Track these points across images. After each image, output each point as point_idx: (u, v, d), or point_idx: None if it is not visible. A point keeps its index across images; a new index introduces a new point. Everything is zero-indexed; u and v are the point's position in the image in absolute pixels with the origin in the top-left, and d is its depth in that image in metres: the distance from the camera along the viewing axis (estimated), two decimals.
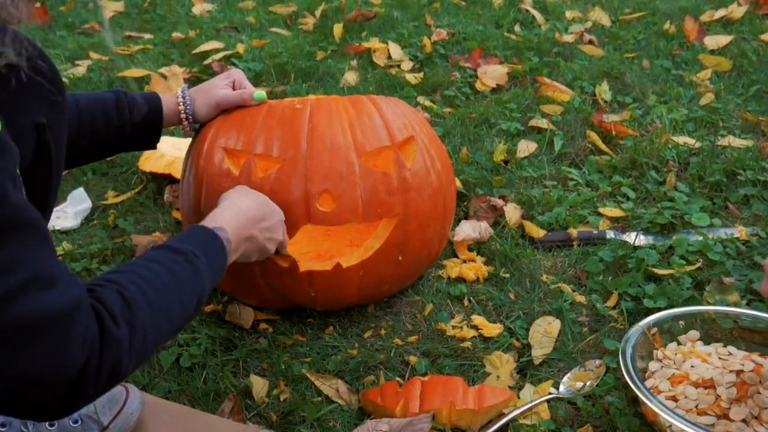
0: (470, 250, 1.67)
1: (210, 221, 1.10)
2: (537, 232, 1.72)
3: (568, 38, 2.94)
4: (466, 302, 1.52)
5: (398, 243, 1.37)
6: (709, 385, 1.19)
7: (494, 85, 2.54)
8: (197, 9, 3.63)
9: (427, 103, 2.43)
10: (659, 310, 1.39)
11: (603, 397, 1.26)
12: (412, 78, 2.60)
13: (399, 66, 2.76)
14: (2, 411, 0.80)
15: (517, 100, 2.40)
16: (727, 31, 2.96)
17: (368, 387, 1.31)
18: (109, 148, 1.35)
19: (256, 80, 2.69)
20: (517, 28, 3.12)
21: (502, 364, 1.33)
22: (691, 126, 2.20)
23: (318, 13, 3.37)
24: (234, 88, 1.40)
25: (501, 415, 1.23)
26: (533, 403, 1.24)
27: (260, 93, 1.38)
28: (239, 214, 1.15)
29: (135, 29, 3.44)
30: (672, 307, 1.41)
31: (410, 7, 3.41)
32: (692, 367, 1.23)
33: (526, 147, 2.11)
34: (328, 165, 1.30)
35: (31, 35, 0.87)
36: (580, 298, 1.51)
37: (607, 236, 1.69)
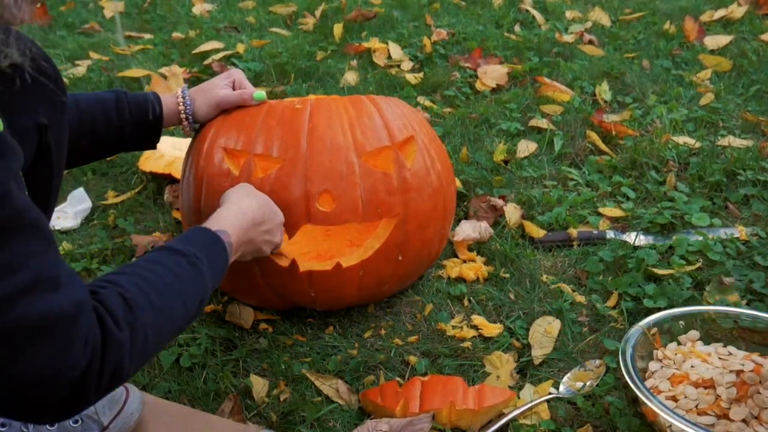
0: (470, 250, 1.68)
1: (212, 223, 1.10)
2: (537, 232, 1.72)
3: (568, 38, 2.94)
4: (466, 302, 1.52)
5: (398, 243, 1.37)
6: (709, 385, 1.19)
7: (494, 85, 2.55)
8: (197, 9, 3.63)
9: (427, 103, 2.43)
10: (659, 310, 1.39)
11: (603, 397, 1.26)
12: (412, 78, 2.60)
13: (399, 66, 2.76)
14: (3, 413, 0.80)
15: (517, 100, 2.40)
16: (727, 31, 2.96)
17: (368, 387, 1.31)
18: (109, 148, 1.35)
19: (256, 80, 2.69)
20: (517, 28, 3.12)
21: (502, 364, 1.33)
22: (691, 126, 2.20)
23: (318, 13, 3.37)
24: (234, 88, 1.40)
25: (501, 415, 1.23)
26: (533, 403, 1.24)
27: (260, 93, 1.39)
28: (241, 216, 1.15)
29: (135, 29, 3.45)
30: (672, 307, 1.42)
31: (410, 7, 3.41)
32: (692, 367, 1.23)
33: (526, 147, 2.11)
34: (328, 165, 1.30)
35: (31, 35, 0.87)
36: (580, 298, 1.51)
37: (607, 236, 1.69)
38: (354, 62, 2.80)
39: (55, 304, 0.73)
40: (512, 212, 1.78)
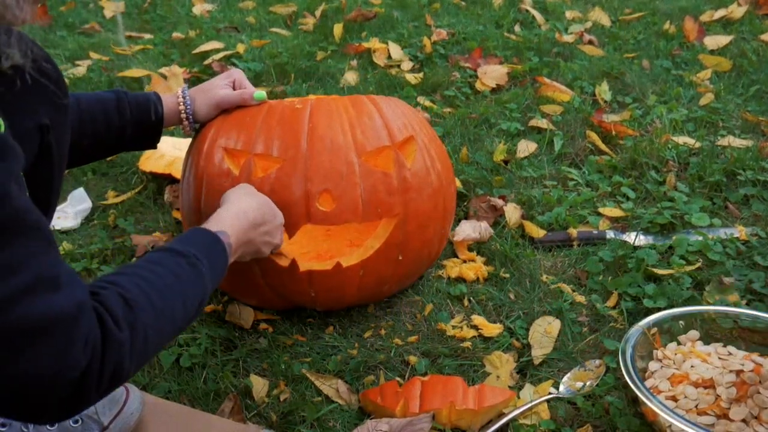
0: (470, 250, 1.68)
1: (212, 224, 1.10)
2: (537, 232, 1.72)
3: (568, 38, 2.94)
4: (466, 302, 1.52)
5: (398, 243, 1.37)
6: (709, 385, 1.19)
7: (494, 85, 2.55)
8: (197, 9, 3.63)
9: (427, 103, 2.43)
10: (659, 310, 1.39)
11: (603, 397, 1.26)
12: (412, 78, 2.60)
13: (399, 66, 2.76)
14: (3, 413, 0.80)
15: (517, 100, 2.40)
16: (727, 31, 2.96)
17: (368, 387, 1.31)
18: (110, 147, 1.35)
19: (256, 80, 2.69)
20: (517, 28, 3.12)
21: (502, 364, 1.33)
22: (691, 126, 2.20)
23: (318, 13, 3.37)
24: (234, 88, 1.40)
25: (501, 415, 1.23)
26: (533, 403, 1.24)
27: (260, 93, 1.39)
28: (241, 217, 1.15)
29: (135, 29, 3.45)
30: (672, 307, 1.42)
31: (410, 7, 3.42)
32: (692, 367, 1.23)
33: (526, 147, 2.11)
34: (328, 165, 1.30)
35: (32, 35, 0.87)
36: (580, 298, 1.51)
37: (607, 236, 1.70)
38: (354, 62, 2.80)
39: (55, 304, 0.73)
40: (512, 212, 1.78)
